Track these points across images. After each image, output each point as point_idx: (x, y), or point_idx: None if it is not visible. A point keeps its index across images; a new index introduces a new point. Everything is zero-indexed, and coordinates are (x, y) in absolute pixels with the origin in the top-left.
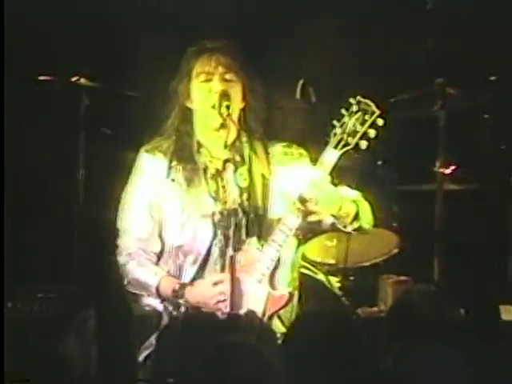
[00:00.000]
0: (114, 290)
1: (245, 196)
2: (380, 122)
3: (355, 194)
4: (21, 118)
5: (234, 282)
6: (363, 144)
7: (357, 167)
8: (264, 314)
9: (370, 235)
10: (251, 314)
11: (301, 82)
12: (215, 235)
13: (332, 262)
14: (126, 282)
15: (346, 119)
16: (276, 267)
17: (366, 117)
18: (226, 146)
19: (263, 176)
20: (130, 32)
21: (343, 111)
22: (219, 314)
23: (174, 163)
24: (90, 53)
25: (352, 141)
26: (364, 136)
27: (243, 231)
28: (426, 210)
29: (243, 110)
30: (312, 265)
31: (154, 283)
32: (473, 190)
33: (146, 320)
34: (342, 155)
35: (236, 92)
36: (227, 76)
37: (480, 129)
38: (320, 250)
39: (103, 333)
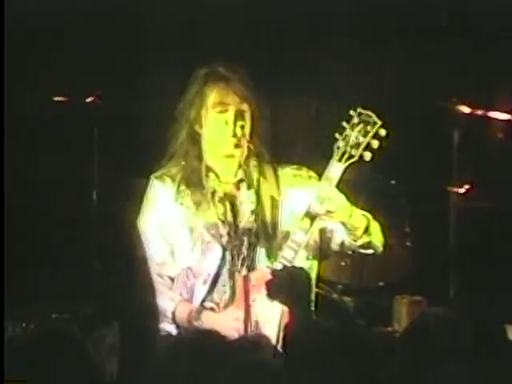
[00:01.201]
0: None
1: (252, 218)
2: (382, 132)
3: (365, 212)
4: (34, 140)
5: (248, 302)
6: (367, 155)
7: (369, 186)
8: (279, 333)
9: (383, 255)
10: (266, 332)
11: (314, 103)
12: (223, 257)
13: (346, 281)
14: None
15: (348, 131)
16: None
17: (368, 128)
18: (240, 166)
19: (272, 198)
20: (142, 53)
21: (344, 124)
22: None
23: (182, 188)
24: (104, 74)
25: (356, 153)
26: (367, 147)
27: (252, 252)
28: (440, 229)
29: (253, 134)
30: (326, 284)
31: (171, 309)
32: (487, 208)
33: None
34: (346, 168)
35: (248, 117)
36: (242, 106)
37: (493, 146)
38: (334, 269)
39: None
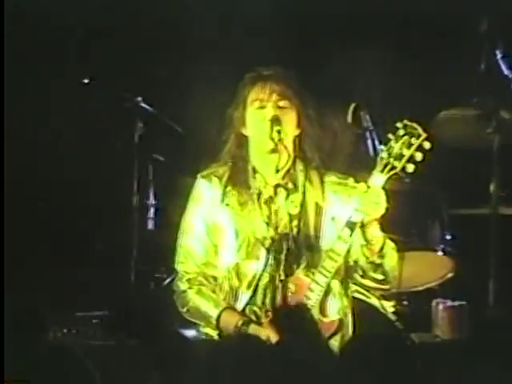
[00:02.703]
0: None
1: (295, 223)
2: (427, 145)
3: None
4: (74, 143)
5: (285, 307)
6: (410, 167)
7: (409, 190)
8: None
9: (423, 259)
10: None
11: (352, 105)
12: (267, 260)
13: (385, 286)
14: (184, 310)
15: (392, 143)
16: (326, 294)
17: (413, 140)
18: (277, 171)
19: (317, 204)
20: (186, 58)
21: (390, 135)
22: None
23: (228, 188)
24: (146, 78)
25: (398, 164)
26: (411, 159)
27: (293, 258)
28: (481, 233)
29: (299, 137)
30: (365, 289)
31: (215, 315)
32: None
33: (200, 346)
34: (388, 179)
35: (290, 119)
36: (281, 103)
37: None
38: None
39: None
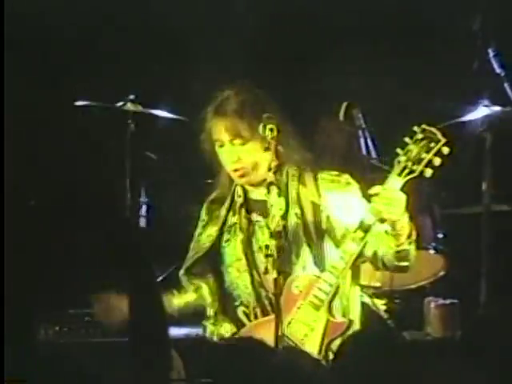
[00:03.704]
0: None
1: (287, 222)
2: (445, 150)
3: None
4: (65, 144)
5: (282, 307)
6: (428, 172)
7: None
8: (322, 342)
9: (415, 257)
10: (308, 340)
11: (345, 104)
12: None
13: (377, 284)
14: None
15: (410, 147)
16: (335, 294)
17: (432, 144)
18: (269, 169)
19: (313, 203)
20: (180, 58)
21: (407, 139)
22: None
23: (230, 217)
24: (138, 78)
25: (417, 168)
26: (429, 164)
27: (286, 256)
28: (473, 231)
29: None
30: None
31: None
32: None
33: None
34: (405, 183)
35: (251, 149)
36: (236, 141)
37: None
38: (365, 272)
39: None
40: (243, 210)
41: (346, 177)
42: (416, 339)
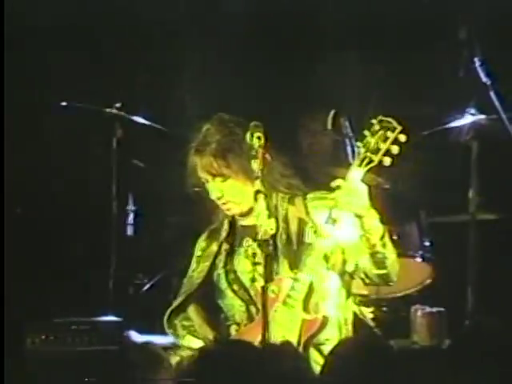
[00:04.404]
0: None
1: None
2: (402, 138)
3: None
4: (52, 147)
5: (267, 313)
6: (387, 160)
7: (387, 197)
8: (299, 341)
9: (402, 265)
10: (287, 342)
11: (332, 112)
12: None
13: (365, 292)
14: None
15: (368, 138)
16: (310, 292)
17: (388, 133)
18: (257, 178)
19: (300, 219)
20: (167, 64)
21: (365, 132)
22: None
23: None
24: (126, 84)
25: (375, 158)
26: (387, 153)
27: (273, 263)
28: (460, 240)
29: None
30: None
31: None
32: (506, 219)
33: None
34: (366, 173)
35: (232, 185)
36: (218, 179)
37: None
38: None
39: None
40: (229, 240)
41: (334, 195)
42: (403, 347)
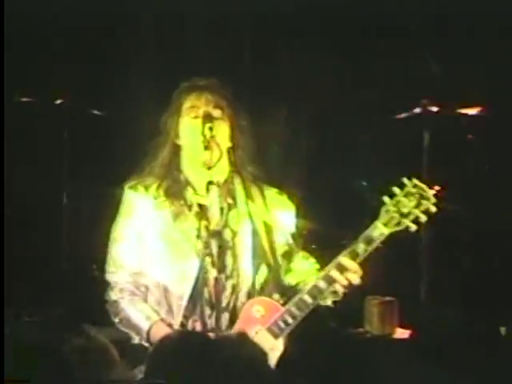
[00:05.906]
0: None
1: (237, 239)
2: (433, 209)
3: None
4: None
5: (219, 303)
6: (413, 227)
7: (341, 187)
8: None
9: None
10: (242, 330)
11: (284, 109)
12: (200, 271)
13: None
14: (117, 320)
15: (401, 199)
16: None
17: (423, 201)
18: (209, 168)
19: (265, 223)
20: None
21: (396, 189)
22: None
23: (160, 199)
24: (77, 77)
25: (404, 222)
26: (415, 219)
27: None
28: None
29: (232, 148)
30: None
31: (146, 328)
32: (458, 210)
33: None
34: (389, 234)
35: (223, 130)
36: (215, 113)
37: (464, 149)
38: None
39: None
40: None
41: (288, 194)
42: (356, 336)
